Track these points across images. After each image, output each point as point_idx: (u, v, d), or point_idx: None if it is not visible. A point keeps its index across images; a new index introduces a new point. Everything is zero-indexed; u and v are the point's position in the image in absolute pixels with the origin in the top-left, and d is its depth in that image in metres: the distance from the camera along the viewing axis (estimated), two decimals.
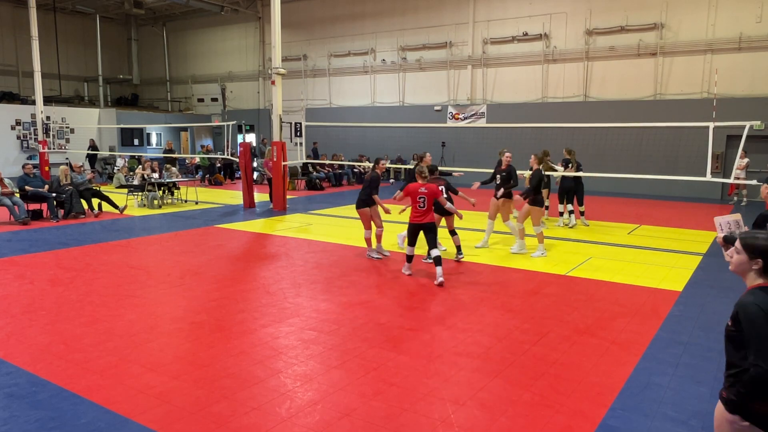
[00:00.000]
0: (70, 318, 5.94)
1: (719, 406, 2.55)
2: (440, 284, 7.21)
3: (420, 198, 7.45)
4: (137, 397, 4.18)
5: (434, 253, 7.43)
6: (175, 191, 16.09)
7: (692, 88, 17.69)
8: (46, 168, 18.87)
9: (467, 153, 20.76)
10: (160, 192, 15.36)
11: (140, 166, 17.09)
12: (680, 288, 7.29)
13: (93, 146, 23.40)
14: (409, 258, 7.77)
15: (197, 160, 22.91)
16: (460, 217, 8.51)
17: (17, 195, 12.35)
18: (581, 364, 4.83)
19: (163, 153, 21.22)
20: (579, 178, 11.75)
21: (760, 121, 12.56)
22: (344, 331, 5.62)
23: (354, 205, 9.16)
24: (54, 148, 20.84)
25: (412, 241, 7.70)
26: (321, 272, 7.98)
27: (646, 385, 4.44)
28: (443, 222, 8.87)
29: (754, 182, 10.42)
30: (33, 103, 20.16)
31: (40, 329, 5.59)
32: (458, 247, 8.62)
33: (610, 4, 18.70)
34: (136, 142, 25.82)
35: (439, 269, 7.30)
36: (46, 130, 19.66)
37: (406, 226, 7.81)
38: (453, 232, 8.73)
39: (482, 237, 9.81)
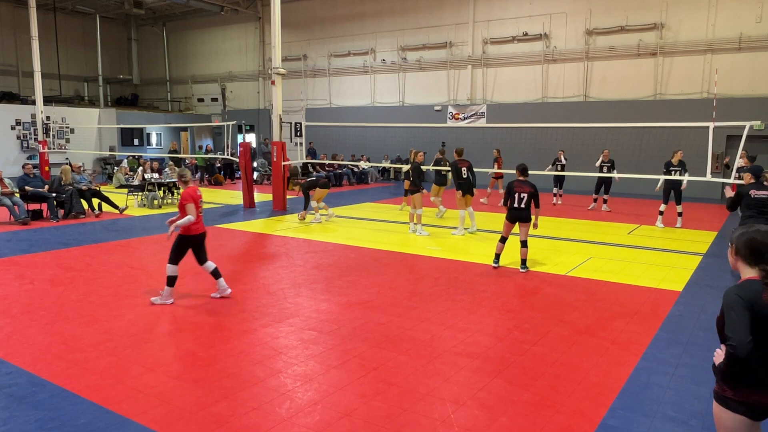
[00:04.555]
0: (70, 318, 5.93)
1: (714, 404, 2.60)
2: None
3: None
4: (137, 397, 4.18)
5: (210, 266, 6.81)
6: (175, 191, 16.08)
7: (692, 88, 17.69)
8: (46, 168, 18.86)
9: (467, 153, 20.52)
10: (160, 192, 15.35)
11: (141, 168, 17.07)
12: (680, 288, 7.29)
13: None
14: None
15: (196, 160, 22.90)
16: None
17: (17, 195, 12.36)
18: (581, 364, 4.83)
19: (169, 153, 21.17)
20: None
21: (760, 121, 12.54)
22: (344, 331, 5.62)
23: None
24: (54, 148, 20.80)
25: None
26: (321, 272, 7.97)
27: (646, 385, 4.44)
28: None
29: None
30: (33, 103, 20.14)
31: (40, 329, 5.59)
32: (523, 261, 8.12)
33: (610, 4, 18.70)
34: (136, 142, 25.82)
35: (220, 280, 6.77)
36: (46, 130, 19.64)
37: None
38: (524, 244, 8.13)
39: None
